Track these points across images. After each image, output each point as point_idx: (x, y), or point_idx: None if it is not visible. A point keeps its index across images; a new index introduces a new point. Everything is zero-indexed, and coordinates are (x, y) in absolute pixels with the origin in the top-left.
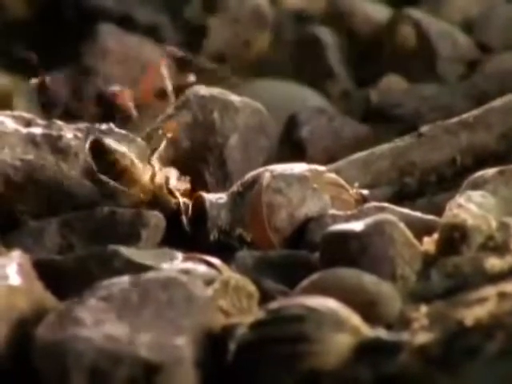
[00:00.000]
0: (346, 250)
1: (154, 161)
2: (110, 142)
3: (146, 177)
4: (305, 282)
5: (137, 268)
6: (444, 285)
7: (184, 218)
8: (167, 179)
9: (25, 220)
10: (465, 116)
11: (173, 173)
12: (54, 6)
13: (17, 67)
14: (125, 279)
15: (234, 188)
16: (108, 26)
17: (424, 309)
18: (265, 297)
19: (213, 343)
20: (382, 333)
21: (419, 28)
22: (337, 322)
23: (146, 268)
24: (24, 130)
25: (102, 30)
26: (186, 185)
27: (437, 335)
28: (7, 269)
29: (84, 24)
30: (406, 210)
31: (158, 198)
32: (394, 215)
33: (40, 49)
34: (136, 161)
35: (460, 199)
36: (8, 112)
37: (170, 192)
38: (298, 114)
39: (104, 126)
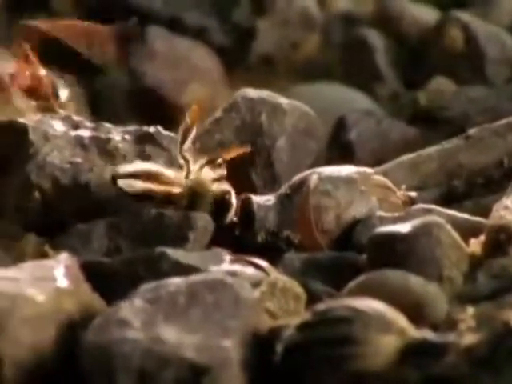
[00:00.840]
0: (393, 252)
1: (186, 153)
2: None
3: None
4: (352, 284)
5: (184, 270)
6: (490, 286)
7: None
8: (201, 168)
9: (73, 222)
10: None
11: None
12: (102, 8)
13: (66, 71)
14: (172, 281)
15: (282, 190)
16: (156, 28)
17: (470, 310)
18: (312, 298)
19: (260, 345)
20: (428, 334)
21: (467, 30)
22: (383, 323)
23: (193, 270)
24: (72, 133)
25: (150, 33)
26: (221, 172)
27: (483, 336)
28: (55, 271)
29: (134, 26)
30: (453, 212)
31: (196, 193)
32: (441, 217)
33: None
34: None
35: (507, 201)
36: (57, 115)
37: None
38: (346, 117)
39: (152, 129)
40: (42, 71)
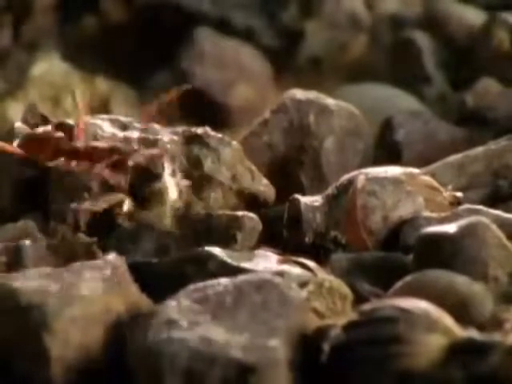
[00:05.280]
0: (440, 252)
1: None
2: None
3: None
4: (398, 284)
5: (232, 270)
6: None
7: None
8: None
9: (121, 223)
10: None
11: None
12: (152, 10)
13: (116, 72)
14: (220, 281)
15: (329, 191)
16: (205, 29)
17: None
18: (359, 298)
19: (306, 344)
20: (474, 333)
21: None
22: (429, 323)
23: (240, 270)
24: (121, 134)
25: (198, 34)
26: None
27: None
28: (103, 271)
29: (181, 28)
30: (499, 212)
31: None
32: (488, 217)
33: (138, 52)
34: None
35: None
36: (105, 116)
37: None
38: (393, 118)
39: (200, 130)
40: None
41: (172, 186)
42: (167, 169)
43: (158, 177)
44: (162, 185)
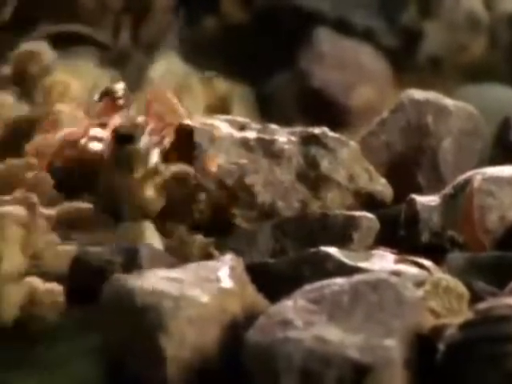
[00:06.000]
0: None
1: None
2: None
3: None
4: None
5: (348, 270)
6: None
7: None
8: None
9: (239, 223)
10: None
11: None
12: (271, 10)
13: (234, 72)
14: (336, 281)
15: (446, 190)
16: (324, 30)
17: None
18: (475, 298)
19: (422, 344)
20: None
21: None
22: None
23: (357, 270)
24: (238, 134)
25: (318, 34)
26: None
27: None
28: (220, 272)
29: (300, 28)
30: None
31: None
32: None
33: (257, 53)
34: None
35: None
36: (223, 116)
37: None
38: (511, 118)
39: (317, 130)
40: None
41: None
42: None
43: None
44: None
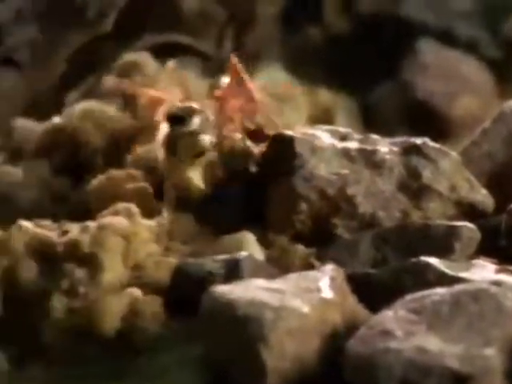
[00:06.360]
0: None
1: None
2: None
3: None
4: None
5: (449, 280)
6: None
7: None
8: None
9: (340, 234)
10: None
11: None
12: (374, 20)
13: (337, 82)
14: (436, 291)
15: None
16: (427, 40)
17: None
18: None
19: None
20: None
21: None
22: None
23: (457, 280)
24: (340, 145)
25: (421, 45)
26: None
27: None
28: (320, 282)
29: (404, 38)
30: None
31: None
32: None
33: (360, 63)
34: None
35: None
36: (324, 127)
37: None
38: None
39: (419, 140)
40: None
41: None
42: None
43: None
44: None
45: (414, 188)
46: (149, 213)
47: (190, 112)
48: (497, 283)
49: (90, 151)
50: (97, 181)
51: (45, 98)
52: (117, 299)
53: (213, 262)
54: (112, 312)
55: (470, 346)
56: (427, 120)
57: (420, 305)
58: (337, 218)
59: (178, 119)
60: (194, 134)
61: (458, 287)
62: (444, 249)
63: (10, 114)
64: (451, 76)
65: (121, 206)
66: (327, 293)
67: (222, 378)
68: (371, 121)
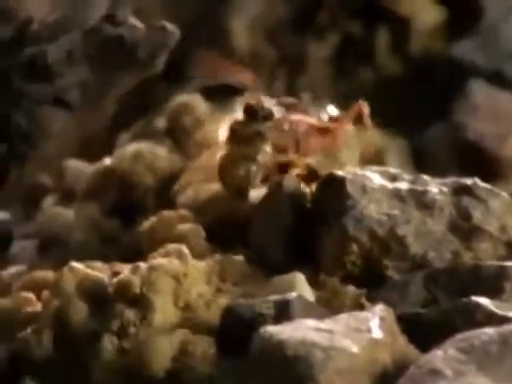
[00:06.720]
0: None
1: None
2: None
3: None
4: None
5: (498, 320)
6: None
7: None
8: None
9: (390, 275)
10: None
11: None
12: (426, 62)
13: (389, 123)
14: (486, 331)
15: None
16: (478, 81)
17: None
18: None
19: None
20: None
21: None
22: None
23: (507, 320)
24: (390, 185)
25: (472, 86)
26: None
27: None
28: (370, 322)
29: (455, 80)
30: None
31: None
32: None
33: (412, 105)
34: None
35: None
36: (375, 167)
37: None
38: None
39: (469, 181)
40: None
41: None
42: None
43: None
44: None
45: (465, 229)
46: (200, 254)
47: (268, 114)
48: None
49: (140, 192)
50: (148, 222)
51: (96, 139)
52: (167, 340)
53: (263, 302)
54: (162, 352)
55: None
56: (478, 161)
57: (469, 344)
58: (387, 259)
59: (251, 111)
60: (259, 135)
61: (506, 327)
62: (494, 289)
63: (62, 155)
64: (501, 117)
65: (172, 247)
66: (377, 333)
67: None
68: (422, 162)
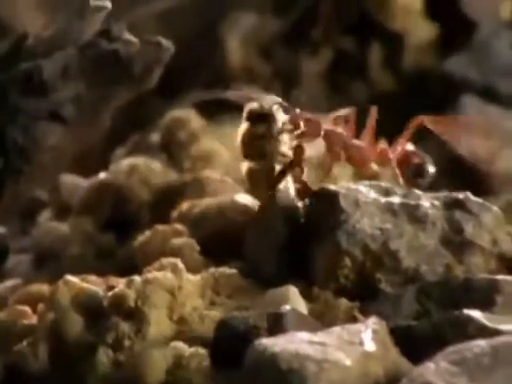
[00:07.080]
0: None
1: None
2: None
3: None
4: None
5: (490, 332)
6: None
7: None
8: None
9: (383, 288)
10: None
11: None
12: (419, 77)
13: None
14: (477, 343)
15: None
16: (470, 97)
17: None
18: None
19: None
20: None
21: None
22: None
23: (498, 332)
24: (383, 199)
25: (464, 102)
26: None
27: None
28: (363, 335)
29: (447, 95)
30: None
31: None
32: None
33: (405, 119)
34: None
35: None
36: (367, 182)
37: None
38: None
39: (461, 195)
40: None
41: None
42: None
43: None
44: None
45: (457, 242)
46: (194, 267)
47: (270, 115)
48: None
49: (135, 207)
50: (143, 236)
51: (91, 154)
52: (162, 352)
53: (257, 315)
54: (157, 365)
55: None
56: (469, 175)
57: (461, 357)
58: (380, 273)
59: (256, 116)
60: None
61: (498, 339)
62: (486, 302)
63: (57, 170)
64: (493, 132)
65: (166, 260)
66: (370, 346)
67: None
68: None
